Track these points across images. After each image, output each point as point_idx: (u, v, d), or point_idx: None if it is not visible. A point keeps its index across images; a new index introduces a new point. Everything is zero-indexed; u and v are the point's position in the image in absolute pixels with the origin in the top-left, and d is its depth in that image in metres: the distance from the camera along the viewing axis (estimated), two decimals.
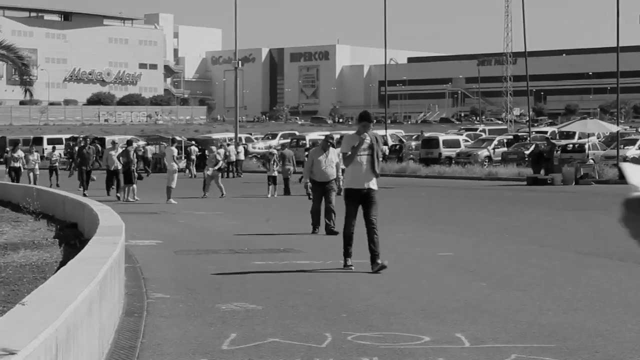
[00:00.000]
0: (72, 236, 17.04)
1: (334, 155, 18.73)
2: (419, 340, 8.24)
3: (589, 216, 22.78)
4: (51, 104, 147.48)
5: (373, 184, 12.89)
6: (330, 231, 18.09)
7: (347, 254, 13.02)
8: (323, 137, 20.04)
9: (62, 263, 12.63)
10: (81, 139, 67.02)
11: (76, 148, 41.17)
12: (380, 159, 13.25)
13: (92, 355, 6.79)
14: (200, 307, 10.05)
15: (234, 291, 11.10)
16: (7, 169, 38.04)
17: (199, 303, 10.29)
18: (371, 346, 8.02)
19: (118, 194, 30.44)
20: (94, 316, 6.93)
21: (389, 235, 17.36)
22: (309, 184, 18.87)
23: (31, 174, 37.39)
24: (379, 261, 12.55)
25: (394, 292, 10.96)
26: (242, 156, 49.69)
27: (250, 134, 77.69)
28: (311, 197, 19.12)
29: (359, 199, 12.78)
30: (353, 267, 12.80)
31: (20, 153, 38.15)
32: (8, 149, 51.80)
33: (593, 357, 7.60)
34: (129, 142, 32.77)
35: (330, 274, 12.56)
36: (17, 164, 37.51)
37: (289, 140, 64.08)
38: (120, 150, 31.36)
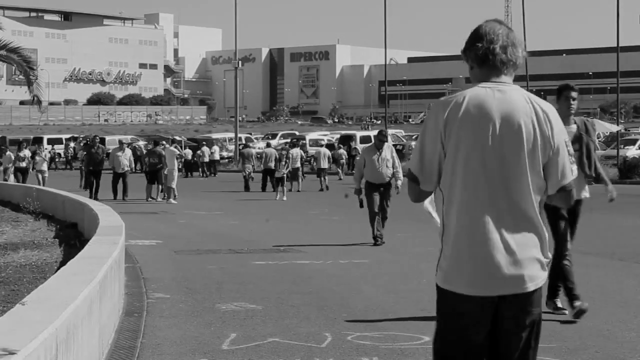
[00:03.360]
0: (72, 236, 17.01)
1: (388, 152, 16.32)
2: (419, 340, 8.23)
3: (589, 216, 22.69)
4: (51, 104, 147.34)
5: (585, 192, 9.37)
6: (380, 241, 16.07)
7: (554, 292, 9.31)
8: (377, 134, 16.82)
9: (62, 263, 12.62)
10: (81, 138, 67.11)
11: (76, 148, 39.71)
12: (595, 155, 9.44)
13: (92, 355, 6.79)
14: (200, 307, 10.04)
15: (234, 291, 11.10)
16: (13, 170, 35.35)
17: (199, 303, 10.29)
18: (371, 346, 8.02)
19: (153, 196, 29.91)
20: (94, 316, 6.93)
21: (389, 235, 17.35)
22: (362, 190, 16.31)
23: (40, 176, 35.12)
24: (578, 303, 8.99)
25: (394, 292, 10.95)
26: (216, 156, 50.54)
27: (250, 134, 77.69)
28: (363, 205, 16.41)
29: (567, 213, 9.11)
30: (567, 313, 9.12)
31: (26, 152, 35.60)
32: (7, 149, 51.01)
33: (593, 357, 7.60)
34: (156, 143, 32.37)
35: (330, 274, 12.55)
36: (23, 164, 34.88)
37: (289, 140, 64.22)
38: (126, 151, 30.74)
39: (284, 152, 33.34)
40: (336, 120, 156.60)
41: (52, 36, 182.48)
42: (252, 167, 36.37)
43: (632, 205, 24.49)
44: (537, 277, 4.09)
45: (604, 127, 49.81)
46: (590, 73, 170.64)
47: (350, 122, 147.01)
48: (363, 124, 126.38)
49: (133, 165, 31.07)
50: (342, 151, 47.34)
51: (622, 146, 45.67)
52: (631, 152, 45.45)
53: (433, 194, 4.29)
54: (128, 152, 31.22)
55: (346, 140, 56.97)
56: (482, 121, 4.05)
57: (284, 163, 31.14)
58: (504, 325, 4.13)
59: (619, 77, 44.53)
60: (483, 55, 4.14)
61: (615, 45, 44.37)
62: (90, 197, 28.56)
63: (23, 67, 23.81)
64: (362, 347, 8.00)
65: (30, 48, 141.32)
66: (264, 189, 34.70)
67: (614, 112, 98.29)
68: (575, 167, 4.20)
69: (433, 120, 4.12)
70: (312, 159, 46.20)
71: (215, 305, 10.09)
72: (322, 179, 35.24)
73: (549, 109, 4.18)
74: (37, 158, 35.78)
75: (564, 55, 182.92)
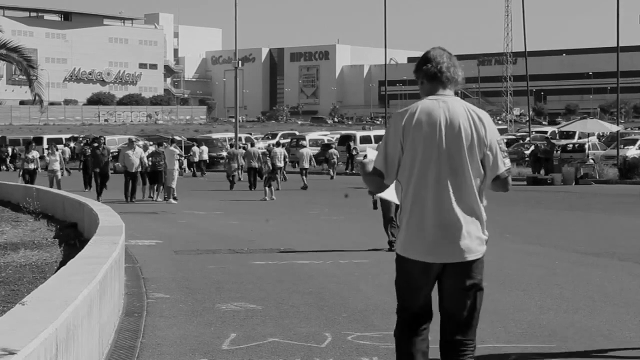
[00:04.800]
0: (72, 236, 17.02)
1: None
2: None
3: (589, 216, 22.77)
4: (51, 103, 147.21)
5: None
6: (392, 247, 14.94)
7: None
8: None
9: (62, 263, 12.62)
10: (81, 138, 67.00)
11: (88, 148, 37.61)
12: None
13: (92, 355, 6.78)
14: (200, 307, 10.04)
15: (234, 291, 11.10)
16: (21, 172, 33.59)
17: (199, 303, 10.29)
18: (371, 346, 8.02)
19: (151, 196, 29.96)
20: (94, 316, 6.92)
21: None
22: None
23: (53, 177, 32.63)
24: None
25: (394, 292, 10.94)
26: (204, 156, 51.58)
27: (250, 134, 77.74)
28: (376, 206, 15.57)
29: None
30: None
31: (34, 154, 33.70)
32: (16, 149, 50.49)
33: (593, 357, 7.60)
34: (160, 143, 32.11)
35: (330, 274, 12.55)
36: (31, 166, 32.87)
37: (288, 140, 64.47)
38: (136, 149, 29.83)
39: (266, 152, 35.05)
40: (336, 120, 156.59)
41: (52, 36, 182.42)
42: (237, 166, 37.95)
43: (632, 205, 24.49)
44: (475, 250, 5.19)
45: (603, 128, 49.82)
46: (590, 73, 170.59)
47: (350, 122, 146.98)
48: (363, 124, 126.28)
49: (145, 163, 29.84)
50: (334, 150, 48.00)
51: (622, 146, 45.68)
52: (631, 152, 45.46)
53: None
54: (139, 150, 30.11)
55: (346, 140, 57.02)
56: (431, 126, 5.20)
57: (262, 162, 31.53)
58: (448, 288, 5.25)
59: (619, 77, 44.53)
60: (433, 73, 5.36)
61: (615, 45, 44.35)
62: (85, 189, 28.07)
63: (23, 65, 23.75)
64: (362, 347, 8.00)
65: (30, 48, 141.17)
66: (251, 187, 35.50)
67: (614, 112, 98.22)
68: (508, 160, 5.28)
69: (393, 127, 5.27)
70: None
71: (215, 305, 10.09)
72: (303, 177, 36.68)
73: (483, 115, 5.30)
74: (51, 157, 33.40)
75: (564, 55, 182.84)
